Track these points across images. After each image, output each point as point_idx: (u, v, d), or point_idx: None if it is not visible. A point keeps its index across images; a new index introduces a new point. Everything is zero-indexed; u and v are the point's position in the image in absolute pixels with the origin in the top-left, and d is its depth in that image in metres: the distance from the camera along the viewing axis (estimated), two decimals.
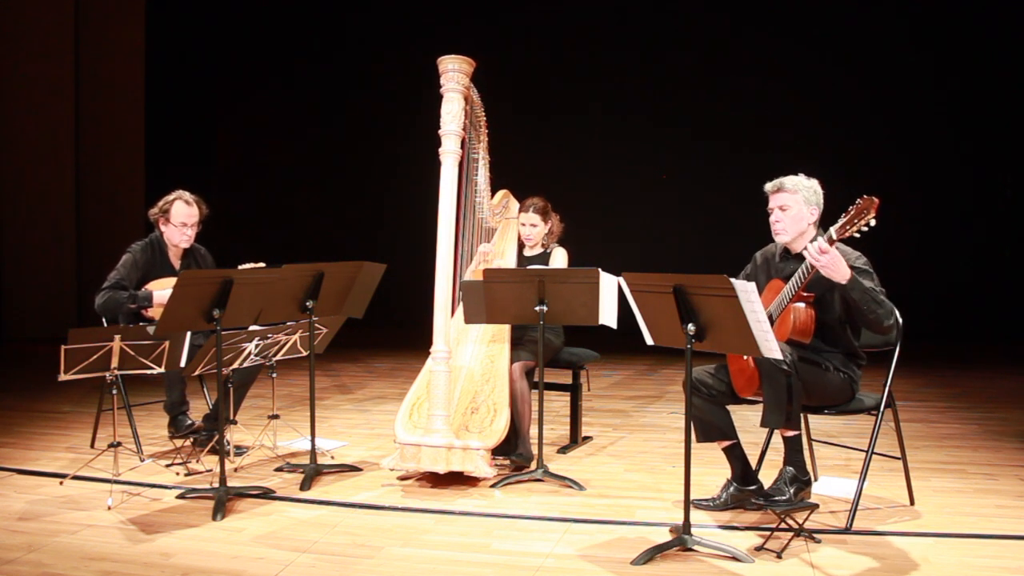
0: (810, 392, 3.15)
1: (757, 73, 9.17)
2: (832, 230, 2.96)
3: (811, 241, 3.27)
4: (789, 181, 3.29)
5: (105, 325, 4.17)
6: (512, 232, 4.55)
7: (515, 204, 4.64)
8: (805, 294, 3.17)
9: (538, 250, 4.46)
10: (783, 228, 3.29)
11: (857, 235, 2.92)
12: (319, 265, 3.82)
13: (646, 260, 9.10)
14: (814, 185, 3.30)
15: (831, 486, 3.72)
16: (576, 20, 9.72)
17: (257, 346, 3.86)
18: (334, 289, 3.96)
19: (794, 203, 3.26)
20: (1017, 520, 3.28)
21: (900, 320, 3.26)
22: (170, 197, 4.33)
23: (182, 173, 6.70)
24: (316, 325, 3.94)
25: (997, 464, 4.14)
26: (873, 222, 2.88)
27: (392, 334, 9.00)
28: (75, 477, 3.82)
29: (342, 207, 10.58)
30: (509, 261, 4.46)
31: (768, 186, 3.33)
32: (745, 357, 3.18)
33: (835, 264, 2.94)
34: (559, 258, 4.38)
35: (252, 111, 10.98)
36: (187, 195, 4.34)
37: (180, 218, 4.29)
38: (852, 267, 3.03)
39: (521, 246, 4.51)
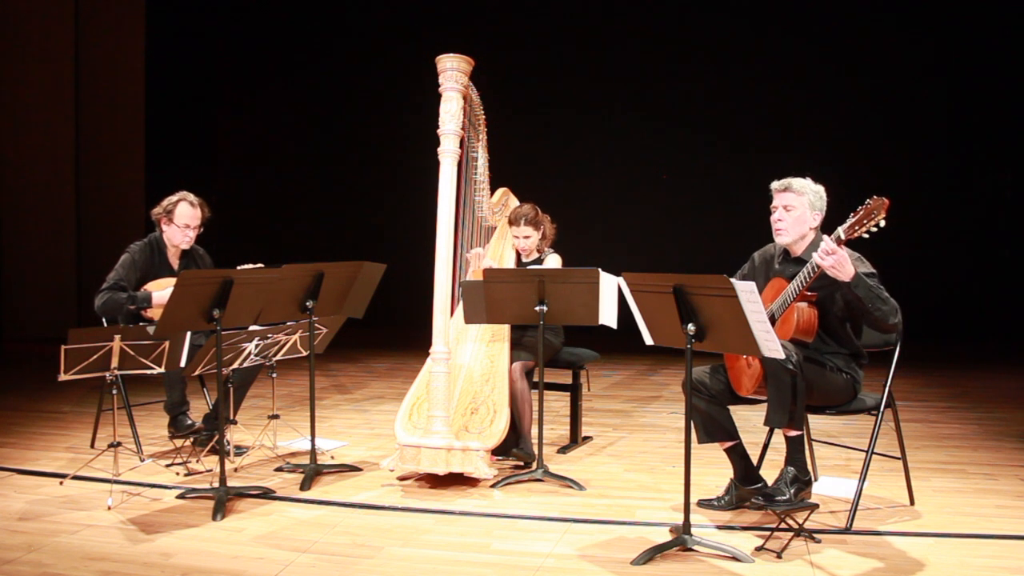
0: (814, 392, 3.15)
1: (758, 73, 9.17)
2: (840, 230, 2.96)
3: (812, 243, 3.28)
4: (797, 183, 3.27)
5: (105, 325, 4.17)
6: (511, 235, 4.54)
7: (515, 202, 4.64)
8: (809, 293, 3.16)
9: (533, 256, 4.45)
10: (785, 228, 3.28)
11: (866, 235, 2.91)
12: (319, 265, 3.82)
13: (646, 260, 9.10)
14: (820, 190, 3.30)
15: (831, 486, 3.72)
16: (576, 19, 9.72)
17: (257, 346, 3.86)
18: (334, 289, 3.96)
19: (799, 205, 3.25)
20: (1017, 520, 3.28)
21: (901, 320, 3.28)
22: (174, 198, 4.32)
23: (182, 173, 6.69)
24: (316, 325, 3.94)
25: (997, 464, 4.14)
26: (883, 223, 2.87)
27: (392, 334, 8.99)
28: (75, 477, 3.82)
29: (342, 207, 10.58)
30: (509, 261, 4.46)
31: (775, 184, 3.31)
32: (745, 356, 3.18)
33: (841, 264, 2.93)
34: (552, 265, 4.37)
35: (252, 111, 10.98)
36: (191, 196, 4.33)
37: (184, 219, 4.28)
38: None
39: (518, 252, 4.50)
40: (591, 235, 9.12)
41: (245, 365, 3.92)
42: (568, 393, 4.60)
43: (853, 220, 2.93)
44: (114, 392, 3.72)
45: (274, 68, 10.74)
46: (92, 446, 4.43)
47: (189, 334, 3.88)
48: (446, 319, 3.85)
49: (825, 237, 2.98)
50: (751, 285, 2.70)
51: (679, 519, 3.00)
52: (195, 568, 2.84)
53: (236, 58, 10.89)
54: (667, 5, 9.48)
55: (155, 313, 4.09)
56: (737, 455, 3.37)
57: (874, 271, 3.12)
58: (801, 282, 3.10)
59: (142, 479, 3.83)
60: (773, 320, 3.18)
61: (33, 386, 6.38)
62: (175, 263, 4.38)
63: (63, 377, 3.46)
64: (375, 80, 10.19)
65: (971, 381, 6.71)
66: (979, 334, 8.88)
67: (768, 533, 3.04)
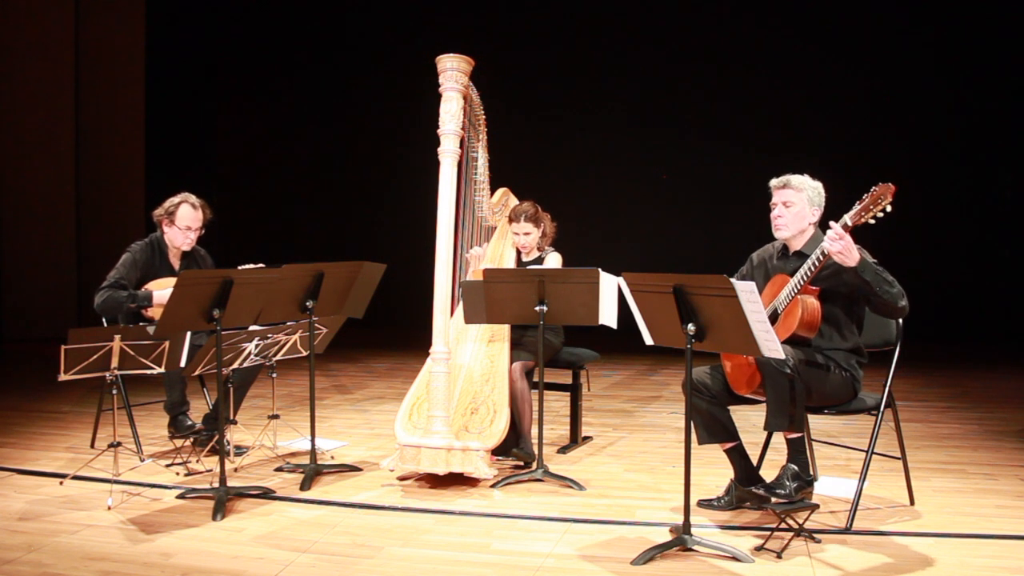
0: (813, 392, 3.14)
1: (757, 72, 9.17)
2: (847, 217, 2.97)
3: (811, 239, 3.28)
4: (795, 179, 3.31)
5: (105, 325, 4.17)
6: (511, 232, 4.54)
7: (515, 202, 4.64)
8: (812, 288, 3.16)
9: (534, 255, 4.46)
10: (784, 224, 3.30)
11: (872, 221, 2.93)
12: (319, 265, 3.82)
13: (646, 260, 9.10)
14: (818, 186, 3.33)
15: (831, 486, 3.71)
16: (576, 19, 9.72)
17: (257, 346, 3.86)
18: (334, 289, 3.95)
19: (798, 200, 3.28)
20: (1017, 520, 3.28)
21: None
22: (176, 200, 4.31)
23: (182, 173, 6.70)
24: (316, 325, 3.94)
25: (997, 464, 4.14)
26: (889, 208, 2.89)
27: (392, 334, 8.99)
28: (75, 477, 3.82)
29: (342, 207, 10.58)
30: (509, 260, 4.46)
31: (774, 181, 3.34)
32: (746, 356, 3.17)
33: (848, 249, 2.95)
34: (553, 263, 4.37)
35: (252, 111, 10.98)
36: (193, 198, 4.33)
37: (185, 221, 4.28)
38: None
39: (518, 251, 4.50)
40: (591, 235, 9.12)
41: (245, 365, 3.92)
42: (568, 393, 4.60)
43: (860, 207, 2.94)
44: (114, 392, 3.72)
45: (274, 68, 10.74)
46: (92, 446, 4.43)
47: (189, 334, 3.88)
48: (446, 319, 3.85)
49: (833, 223, 2.99)
50: (751, 285, 2.70)
51: (679, 519, 3.00)
52: (195, 568, 2.84)
53: (236, 58, 10.89)
54: (667, 5, 9.47)
55: (155, 312, 4.09)
56: (737, 455, 3.37)
57: (875, 260, 3.13)
58: (806, 273, 3.11)
59: (142, 479, 3.83)
60: (776, 315, 3.19)
61: (33, 386, 6.37)
62: (176, 263, 4.38)
63: (63, 377, 3.46)
64: (375, 80, 10.19)
65: (971, 381, 6.71)
66: (979, 334, 8.88)
67: (768, 533, 3.04)
